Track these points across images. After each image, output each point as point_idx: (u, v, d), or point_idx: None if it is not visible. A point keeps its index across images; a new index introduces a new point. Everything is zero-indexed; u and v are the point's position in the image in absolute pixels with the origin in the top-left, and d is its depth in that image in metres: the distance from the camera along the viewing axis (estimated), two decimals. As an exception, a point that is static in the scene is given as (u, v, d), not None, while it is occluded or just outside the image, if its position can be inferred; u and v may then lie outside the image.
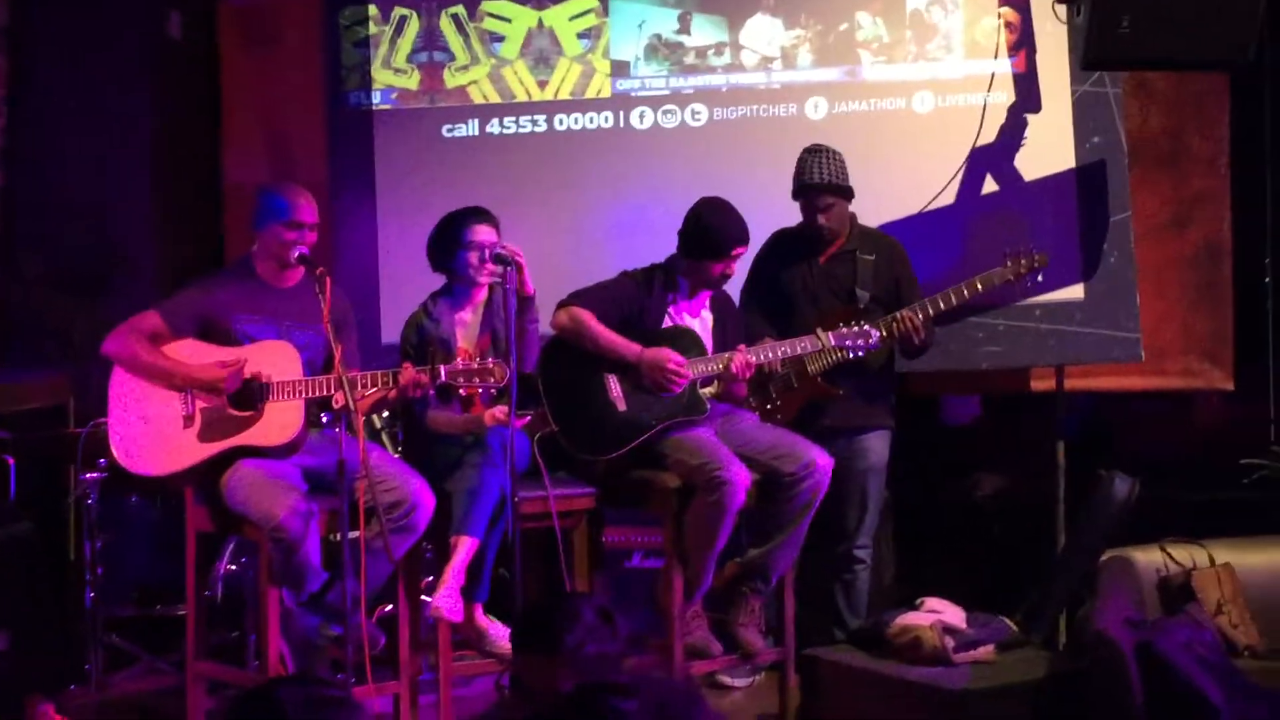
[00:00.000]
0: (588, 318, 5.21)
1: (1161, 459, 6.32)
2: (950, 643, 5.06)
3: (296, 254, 4.93)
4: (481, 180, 6.19)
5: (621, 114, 6.28)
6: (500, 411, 5.02)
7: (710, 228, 5.28)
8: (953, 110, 6.14)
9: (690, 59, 6.27)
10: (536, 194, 6.25)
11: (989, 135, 6.08)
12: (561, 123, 6.30)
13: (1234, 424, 6.62)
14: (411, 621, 5.05)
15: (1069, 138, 6.04)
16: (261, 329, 4.95)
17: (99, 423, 5.20)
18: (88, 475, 5.55)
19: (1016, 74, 6.10)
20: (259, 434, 4.80)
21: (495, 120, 6.31)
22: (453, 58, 6.34)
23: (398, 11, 6.33)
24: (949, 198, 6.06)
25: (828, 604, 5.77)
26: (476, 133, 6.33)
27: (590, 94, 6.29)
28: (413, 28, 6.33)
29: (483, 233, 5.20)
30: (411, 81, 6.35)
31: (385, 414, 5.79)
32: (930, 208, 6.05)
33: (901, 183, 6.09)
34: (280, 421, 4.80)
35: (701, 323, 5.39)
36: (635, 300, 5.30)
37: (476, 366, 4.84)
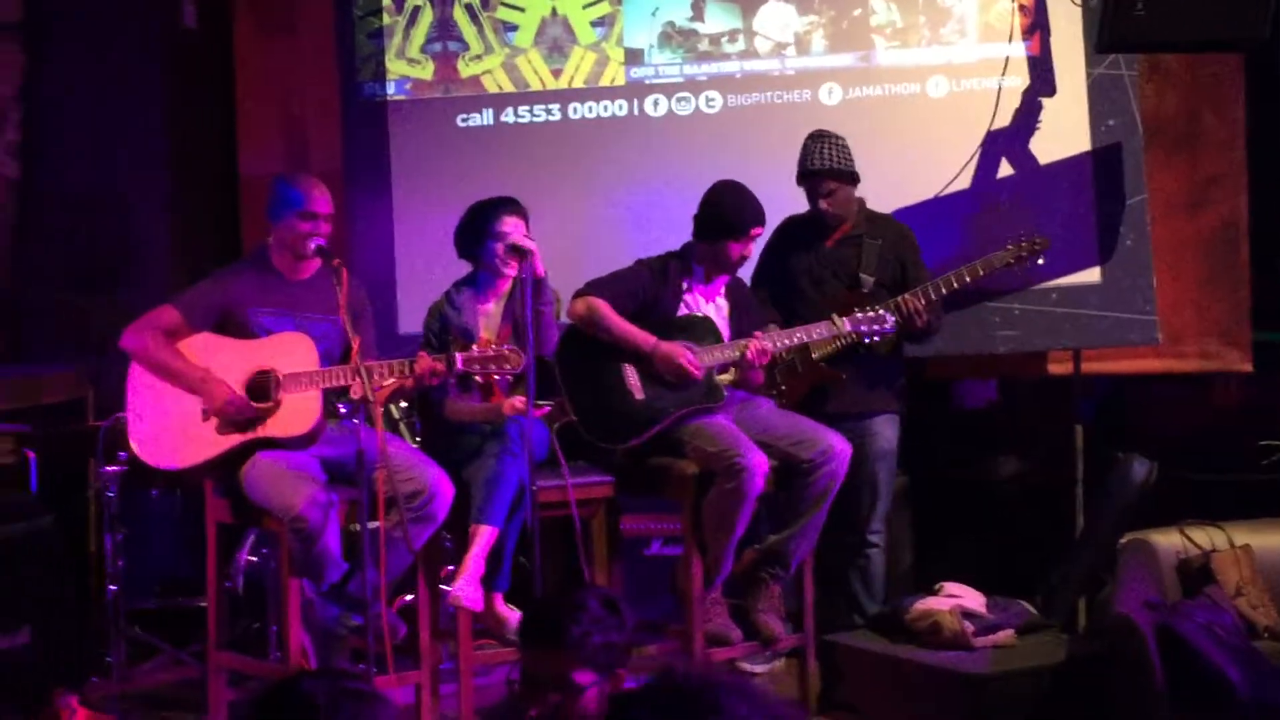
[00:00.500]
0: (603, 307, 5.22)
1: (1180, 441, 6.32)
2: (970, 627, 5.07)
3: (313, 246, 4.93)
4: (496, 170, 6.19)
5: (636, 102, 6.28)
6: (519, 401, 5.03)
7: (728, 207, 5.29)
8: (967, 95, 6.13)
9: (704, 46, 6.26)
10: (551, 183, 6.24)
11: (1004, 119, 6.06)
12: (576, 111, 6.30)
13: (1251, 404, 6.61)
14: (432, 611, 5.06)
15: (1084, 121, 6.03)
16: (278, 321, 4.95)
17: (118, 416, 5.21)
18: (108, 469, 5.56)
19: (1031, 57, 6.08)
20: (277, 426, 4.81)
21: (509, 110, 6.32)
22: (466, 47, 6.34)
23: (411, 1, 6.33)
24: (964, 182, 6.05)
25: (844, 590, 5.78)
26: (491, 122, 6.33)
27: (604, 82, 6.29)
28: (426, 18, 6.33)
29: (511, 224, 5.19)
30: (426, 72, 6.35)
31: (403, 404, 5.80)
32: (945, 192, 6.04)
33: (916, 168, 6.09)
34: (298, 413, 4.81)
35: (717, 310, 5.39)
36: (651, 289, 5.31)
37: (493, 353, 4.85)
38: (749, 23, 6.24)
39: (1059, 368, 6.42)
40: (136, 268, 6.83)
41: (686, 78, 6.27)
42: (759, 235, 5.35)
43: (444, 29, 6.34)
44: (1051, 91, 6.07)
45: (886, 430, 5.75)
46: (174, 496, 6.06)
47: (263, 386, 4.82)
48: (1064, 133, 6.05)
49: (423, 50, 6.35)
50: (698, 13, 6.26)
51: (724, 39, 6.25)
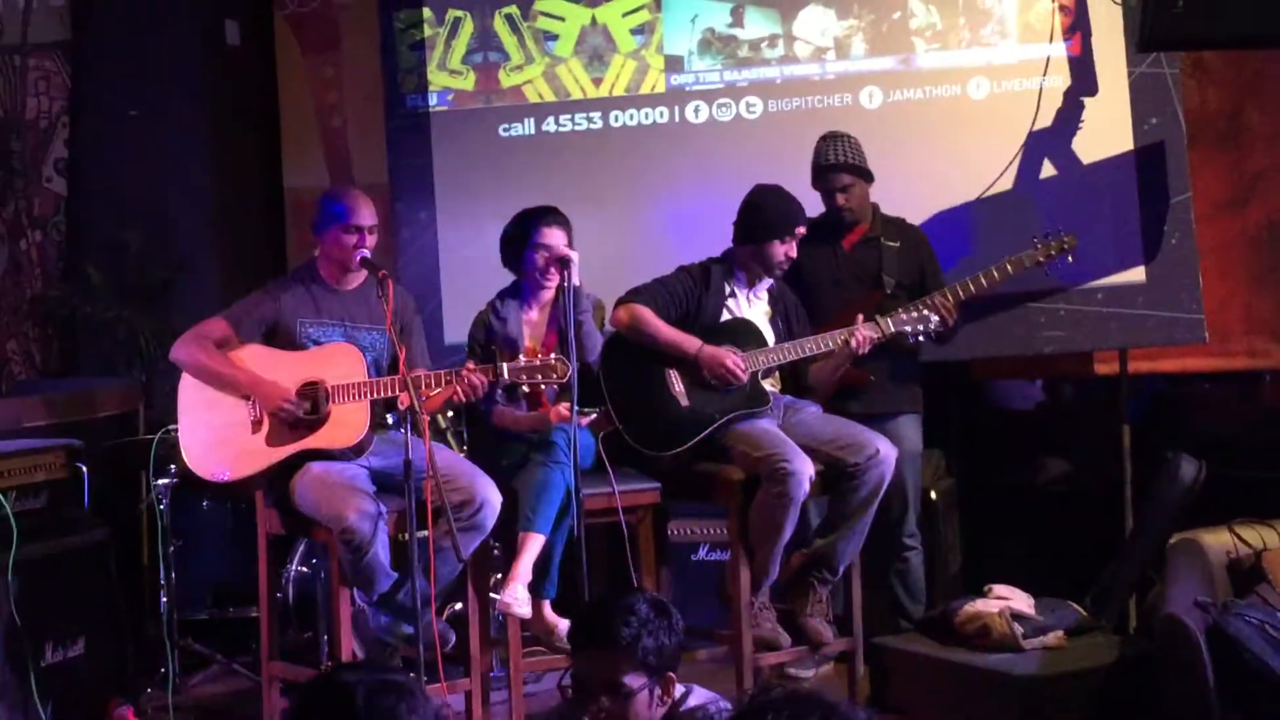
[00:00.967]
0: (646, 314, 5.23)
1: (1228, 439, 6.28)
2: (1019, 629, 5.05)
3: (359, 257, 4.97)
4: (538, 178, 6.22)
5: (676, 109, 6.30)
6: (564, 409, 5.04)
7: (770, 208, 5.30)
8: (1008, 95, 6.11)
9: (744, 52, 6.27)
10: (593, 191, 6.27)
11: (1045, 120, 6.05)
12: (617, 119, 6.32)
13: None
14: (481, 619, 5.08)
15: (1126, 120, 6.01)
16: (327, 332, 5.00)
17: (169, 429, 5.26)
18: (160, 481, 5.62)
19: (1072, 57, 6.07)
20: (326, 437, 4.85)
21: (551, 119, 6.34)
22: (507, 58, 6.37)
23: (452, 13, 6.36)
24: (1006, 184, 6.04)
25: (885, 594, 5.77)
26: (533, 131, 6.36)
27: (645, 90, 6.31)
28: (467, 29, 6.37)
29: (553, 235, 5.21)
30: (467, 82, 6.39)
31: (450, 413, 5.83)
32: (989, 193, 6.03)
33: (959, 170, 6.08)
34: (347, 424, 4.85)
35: (760, 314, 5.39)
36: (693, 295, 5.32)
37: (539, 363, 4.87)
38: (788, 28, 6.25)
39: (1106, 368, 6.40)
40: (184, 282, 6.89)
41: (727, 84, 6.28)
42: (802, 235, 5.35)
43: (485, 40, 6.37)
44: (1093, 91, 6.05)
45: (910, 432, 5.74)
46: (225, 508, 6.10)
47: (312, 397, 4.86)
48: (1106, 132, 6.03)
49: (464, 61, 6.38)
50: (737, 19, 6.27)
51: (764, 44, 6.26)
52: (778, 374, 5.36)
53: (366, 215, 5.00)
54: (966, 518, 6.40)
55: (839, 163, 5.64)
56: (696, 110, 6.29)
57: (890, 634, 5.45)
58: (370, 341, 5.01)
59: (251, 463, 4.87)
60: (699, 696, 3.45)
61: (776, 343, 5.31)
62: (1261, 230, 6.39)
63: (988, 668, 4.96)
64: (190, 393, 4.93)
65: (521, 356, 4.95)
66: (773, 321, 5.39)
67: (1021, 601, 5.21)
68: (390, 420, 5.17)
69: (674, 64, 6.30)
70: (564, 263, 5.01)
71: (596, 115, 6.33)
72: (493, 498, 4.84)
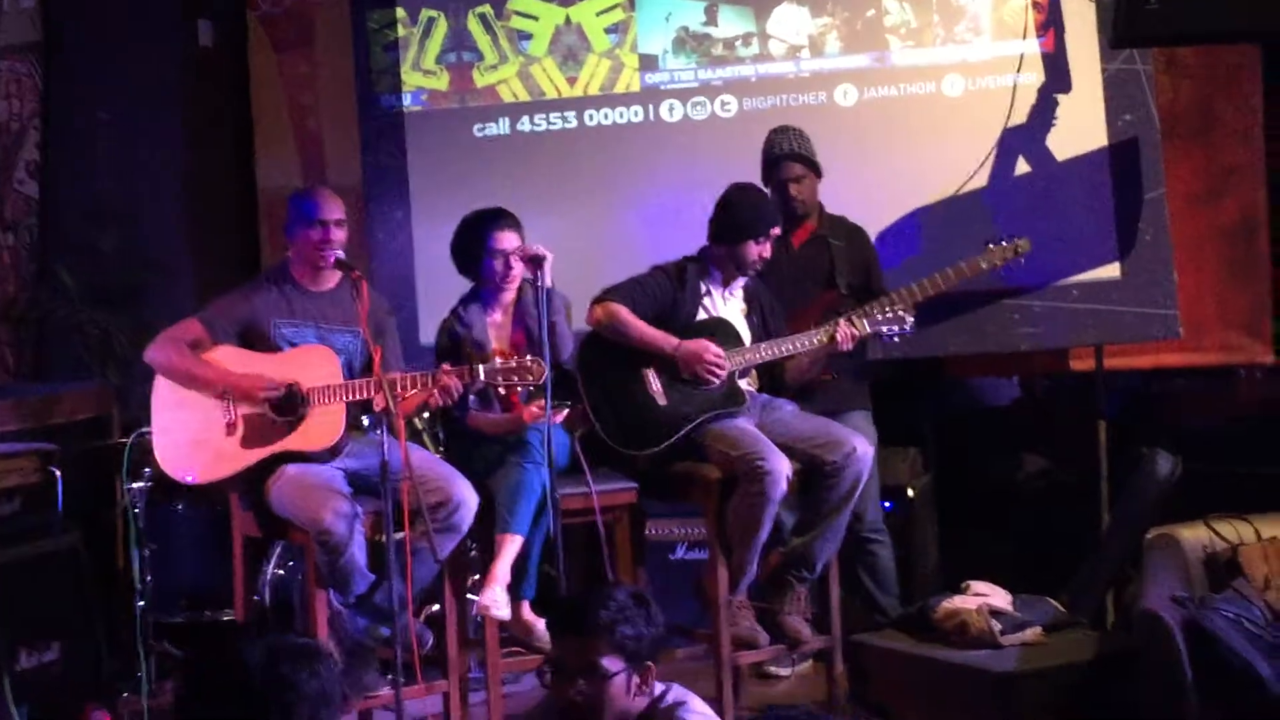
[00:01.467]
0: (623, 312, 5.22)
1: (1204, 434, 6.29)
2: (997, 625, 5.06)
3: (332, 258, 4.95)
4: (513, 178, 6.21)
5: (651, 107, 6.29)
6: (538, 408, 5.04)
7: (746, 208, 5.30)
8: (983, 93, 6.12)
9: (718, 50, 6.27)
10: (568, 190, 6.26)
11: (1020, 117, 6.06)
12: (591, 118, 6.31)
13: (1276, 397, 6.58)
14: (458, 620, 5.07)
15: (1100, 116, 6.02)
16: (300, 333, 4.98)
17: (143, 432, 5.24)
18: (134, 485, 5.59)
19: (1045, 54, 6.08)
20: (301, 438, 4.83)
21: (525, 118, 6.33)
22: (481, 57, 6.35)
23: (425, 13, 6.35)
24: (982, 180, 6.05)
25: (858, 589, 5.77)
26: (507, 131, 6.35)
27: (619, 89, 6.30)
28: (440, 29, 6.35)
29: (506, 239, 5.18)
30: (441, 82, 6.37)
31: (426, 415, 5.81)
32: (963, 190, 6.04)
33: (934, 166, 6.09)
34: (323, 425, 4.82)
35: (736, 313, 5.39)
36: (669, 293, 5.31)
37: (515, 365, 4.86)
38: (762, 26, 6.25)
39: (1081, 364, 6.41)
40: (157, 284, 6.85)
41: (701, 82, 6.28)
42: (777, 235, 5.34)
43: (458, 39, 6.35)
44: (1067, 88, 6.06)
45: (865, 427, 5.72)
46: (200, 511, 6.07)
47: (289, 399, 4.84)
48: (1081, 128, 6.04)
49: (438, 61, 6.36)
50: (711, 17, 6.26)
51: (738, 42, 6.26)
52: (755, 373, 5.36)
53: (332, 209, 4.97)
54: (944, 514, 6.41)
55: (792, 152, 5.65)
56: (671, 109, 6.28)
57: (868, 631, 5.45)
58: (344, 343, 4.99)
59: (227, 465, 4.84)
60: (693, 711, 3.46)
61: (753, 341, 5.31)
62: (1235, 225, 6.41)
63: (966, 664, 4.97)
64: (164, 395, 4.90)
65: (497, 359, 4.93)
66: (749, 319, 5.38)
67: (999, 598, 5.22)
68: (366, 422, 5.15)
69: (648, 63, 6.29)
70: (537, 261, 4.99)
71: (571, 114, 6.32)
72: (469, 499, 4.83)
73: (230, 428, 4.84)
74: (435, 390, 4.81)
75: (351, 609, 4.83)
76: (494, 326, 5.26)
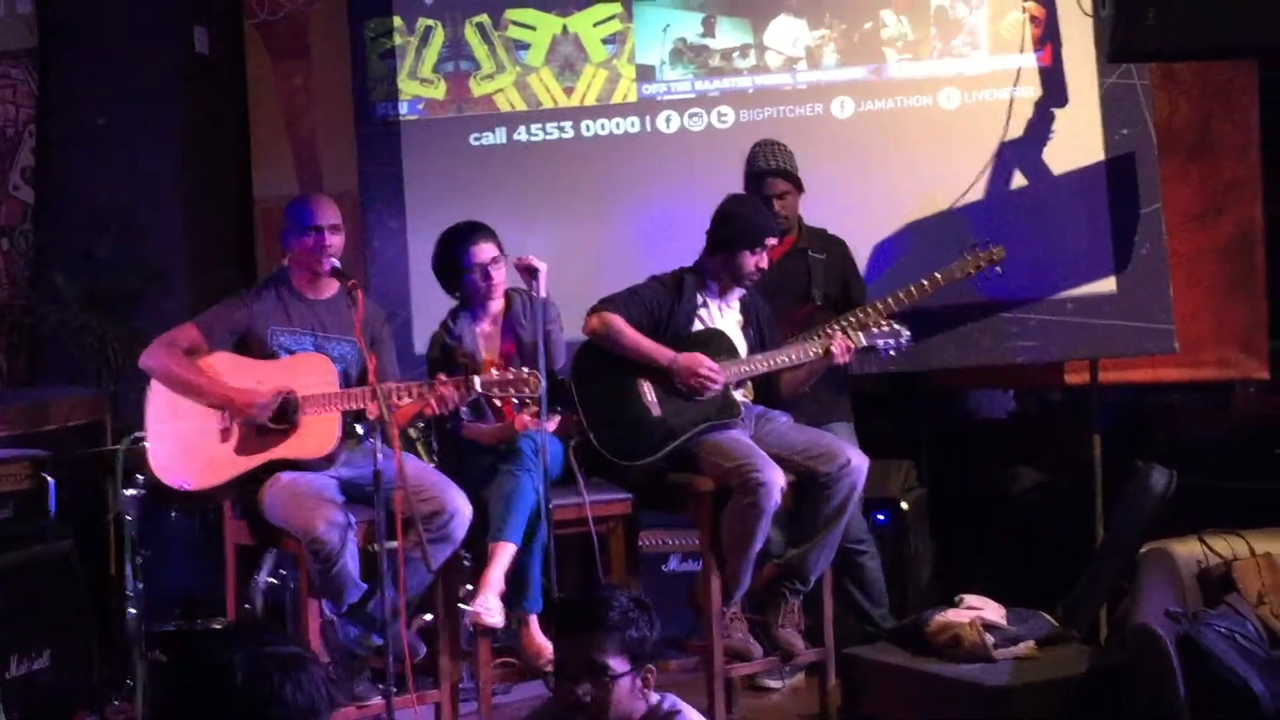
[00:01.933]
0: (619, 322, 5.22)
1: (1199, 449, 6.29)
2: (990, 639, 5.05)
3: (328, 264, 4.95)
4: (510, 188, 6.21)
5: (648, 118, 6.29)
6: (529, 416, 5.03)
7: (743, 218, 5.29)
8: (979, 106, 6.13)
9: (715, 61, 6.27)
10: (565, 200, 6.26)
11: (1016, 130, 6.07)
12: (588, 128, 6.31)
13: (1271, 413, 6.58)
14: (451, 630, 5.06)
15: (1097, 131, 6.03)
16: (298, 340, 4.97)
17: (136, 438, 5.23)
18: (126, 491, 5.57)
19: (1043, 68, 6.09)
20: (296, 447, 4.82)
21: (522, 128, 6.32)
22: (478, 67, 6.35)
23: (422, 22, 6.35)
24: (978, 194, 6.05)
25: (847, 602, 5.76)
26: (504, 141, 6.34)
27: (616, 99, 6.30)
28: (438, 38, 6.35)
29: (480, 252, 5.19)
30: (438, 91, 6.37)
31: (421, 424, 5.80)
32: (959, 204, 6.04)
33: (930, 179, 6.09)
34: (317, 434, 4.82)
35: (732, 324, 5.38)
36: (665, 304, 5.30)
37: (511, 377, 4.85)
38: (760, 38, 6.25)
39: (1076, 378, 6.41)
40: (152, 290, 6.84)
41: (698, 93, 6.28)
42: (774, 246, 5.34)
43: (456, 49, 6.35)
44: (1064, 102, 6.07)
45: (848, 438, 5.70)
46: (193, 518, 6.06)
47: (282, 407, 4.83)
48: (1077, 143, 6.04)
49: (435, 70, 6.36)
50: (708, 28, 6.27)
51: (735, 54, 6.26)
52: (750, 384, 5.35)
53: (327, 214, 4.97)
54: (938, 527, 6.40)
55: (777, 168, 5.65)
56: (668, 120, 6.28)
57: (861, 644, 5.44)
58: (340, 352, 4.99)
59: (220, 472, 4.83)
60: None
61: (749, 353, 5.30)
62: (1231, 241, 6.41)
63: (959, 678, 4.96)
64: (159, 400, 4.89)
65: (493, 371, 4.92)
66: (745, 331, 5.38)
67: (993, 611, 5.22)
68: (360, 431, 5.15)
69: (645, 73, 6.29)
70: (532, 272, 4.99)
71: (568, 125, 6.31)
72: (463, 508, 4.82)
73: (224, 435, 4.84)
74: (431, 400, 4.80)
75: (343, 618, 4.82)
76: (483, 337, 5.26)
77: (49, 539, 5.29)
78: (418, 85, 6.36)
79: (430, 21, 6.35)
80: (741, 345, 5.34)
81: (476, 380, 4.85)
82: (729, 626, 5.21)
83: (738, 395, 5.27)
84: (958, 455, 6.84)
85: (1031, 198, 6.06)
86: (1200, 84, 6.40)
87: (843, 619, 5.53)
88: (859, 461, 5.12)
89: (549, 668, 4.89)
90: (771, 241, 5.31)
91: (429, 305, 6.00)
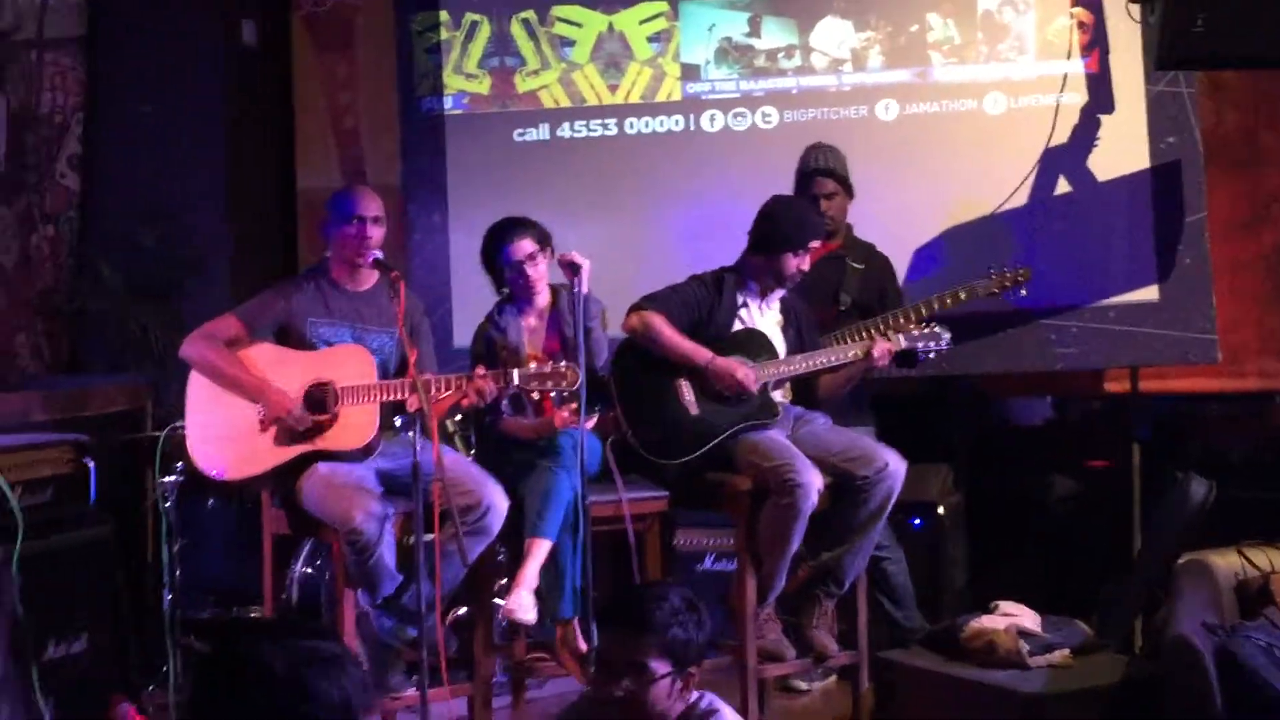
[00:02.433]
0: (659, 322, 5.21)
1: (1239, 460, 6.26)
2: (1025, 646, 5.03)
3: (370, 256, 4.96)
4: (552, 184, 6.23)
5: (692, 117, 6.29)
6: (568, 412, 5.03)
7: (786, 220, 5.28)
8: (1025, 111, 6.11)
9: (760, 62, 6.27)
10: (607, 197, 6.27)
11: (1062, 136, 6.04)
12: (632, 126, 6.31)
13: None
14: (485, 623, 5.07)
15: (1143, 138, 6.00)
16: (337, 332, 4.99)
17: (176, 426, 5.25)
18: (165, 479, 5.60)
19: (1089, 74, 6.06)
20: (334, 438, 4.84)
21: (566, 124, 6.33)
22: (523, 62, 6.37)
23: (469, 17, 6.36)
24: (1021, 199, 6.03)
25: (875, 607, 5.75)
26: (547, 137, 6.36)
27: (661, 97, 6.31)
28: (484, 33, 6.37)
29: (518, 249, 5.18)
30: (483, 86, 6.38)
31: (459, 417, 5.82)
32: (1003, 209, 6.02)
33: (973, 184, 6.07)
34: (355, 425, 4.83)
35: (772, 325, 5.37)
36: (705, 303, 5.30)
37: (549, 370, 4.85)
38: (805, 39, 6.24)
39: (1116, 386, 6.39)
40: (196, 279, 6.88)
41: (742, 93, 6.27)
42: (817, 248, 5.33)
43: (501, 44, 6.37)
44: (1110, 109, 6.04)
45: None
46: (230, 507, 6.09)
47: (320, 398, 4.85)
48: (1122, 150, 6.02)
49: (480, 65, 6.38)
50: (754, 28, 6.26)
51: (780, 54, 6.25)
52: (789, 385, 5.34)
53: (369, 206, 4.99)
54: (974, 533, 6.38)
55: (826, 168, 5.65)
56: (712, 119, 6.28)
57: (894, 649, 5.43)
58: (379, 344, 5.00)
59: (259, 462, 4.85)
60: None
61: (788, 353, 5.29)
62: (1276, 251, 6.38)
63: (993, 684, 4.94)
64: (199, 390, 4.92)
65: (531, 364, 4.92)
66: (784, 331, 5.37)
67: (1028, 619, 5.19)
68: (398, 423, 5.16)
69: (690, 72, 6.29)
70: (575, 269, 4.99)
71: (612, 122, 6.32)
72: (499, 502, 4.83)
73: (263, 425, 4.86)
74: (469, 392, 4.81)
75: (378, 610, 4.83)
76: (528, 331, 5.26)
77: (88, 524, 5.31)
78: (463, 80, 6.38)
79: (476, 17, 6.37)
80: (781, 346, 5.33)
81: (515, 373, 4.85)
82: (763, 627, 5.20)
83: (776, 396, 5.26)
84: (995, 461, 6.82)
85: (1075, 204, 6.04)
86: (1248, 94, 6.38)
87: (877, 623, 5.52)
88: (896, 466, 5.10)
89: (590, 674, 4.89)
90: (815, 244, 5.29)
91: (469, 299, 6.02)
